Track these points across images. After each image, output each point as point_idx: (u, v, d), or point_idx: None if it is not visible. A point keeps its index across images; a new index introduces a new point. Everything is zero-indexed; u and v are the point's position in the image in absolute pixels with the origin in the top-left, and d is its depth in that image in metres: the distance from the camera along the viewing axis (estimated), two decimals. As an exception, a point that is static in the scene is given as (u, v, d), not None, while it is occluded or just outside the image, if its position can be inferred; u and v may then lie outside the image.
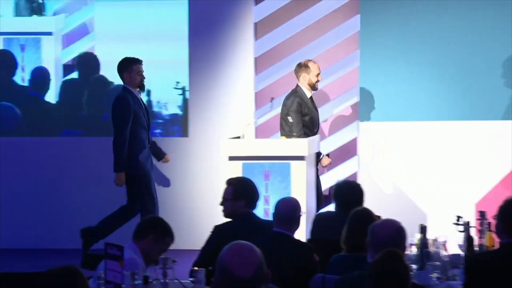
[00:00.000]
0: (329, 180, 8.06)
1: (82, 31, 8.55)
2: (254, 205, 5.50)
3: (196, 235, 8.04)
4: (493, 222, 4.65)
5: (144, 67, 7.44)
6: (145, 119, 7.50)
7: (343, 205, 5.69)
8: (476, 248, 5.03)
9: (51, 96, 8.61)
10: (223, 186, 5.58)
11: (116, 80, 7.85)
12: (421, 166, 7.99)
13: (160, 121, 8.50)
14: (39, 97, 8.60)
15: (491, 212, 4.73)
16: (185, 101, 8.45)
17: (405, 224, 4.21)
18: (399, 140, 8.06)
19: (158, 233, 4.71)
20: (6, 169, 8.43)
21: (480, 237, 5.09)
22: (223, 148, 7.19)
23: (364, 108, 8.12)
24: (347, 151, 8.19)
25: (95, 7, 8.51)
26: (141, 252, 4.64)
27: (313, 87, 7.44)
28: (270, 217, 5.32)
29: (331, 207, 6.43)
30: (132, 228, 4.78)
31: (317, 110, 7.46)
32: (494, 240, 4.98)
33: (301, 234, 6.06)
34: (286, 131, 7.37)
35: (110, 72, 8.23)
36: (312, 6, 8.20)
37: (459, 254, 5.09)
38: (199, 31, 8.39)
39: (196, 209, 8.28)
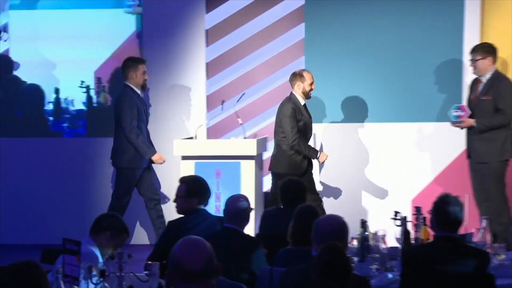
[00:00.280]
0: (276, 178, 8.08)
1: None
2: (205, 202, 5.50)
3: (150, 231, 8.03)
4: (428, 216, 4.71)
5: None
6: (144, 115, 7.54)
7: (289, 202, 5.72)
8: (413, 241, 5.08)
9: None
10: (176, 184, 5.56)
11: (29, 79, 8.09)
12: (362, 165, 8.05)
13: (67, 115, 8.49)
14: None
15: (426, 208, 4.79)
16: (89, 98, 8.45)
17: (347, 219, 4.24)
18: (342, 140, 8.11)
19: (114, 229, 4.68)
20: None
21: (416, 231, 5.14)
22: (176, 148, 7.16)
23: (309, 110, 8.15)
24: (294, 151, 8.22)
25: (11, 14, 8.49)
26: (98, 247, 4.61)
27: (306, 95, 7.41)
28: (221, 213, 5.32)
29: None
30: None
31: (310, 117, 7.42)
32: (429, 234, 5.04)
33: (250, 229, 6.08)
34: (281, 137, 7.34)
35: (23, 73, 8.39)
36: (260, 15, 8.21)
37: (397, 247, 5.14)
38: (153, 37, 8.35)
39: (151, 206, 8.23)
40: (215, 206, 6.77)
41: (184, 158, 7.10)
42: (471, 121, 7.12)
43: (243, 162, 7.05)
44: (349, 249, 4.68)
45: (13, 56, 8.49)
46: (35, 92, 8.43)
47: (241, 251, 4.86)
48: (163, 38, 8.32)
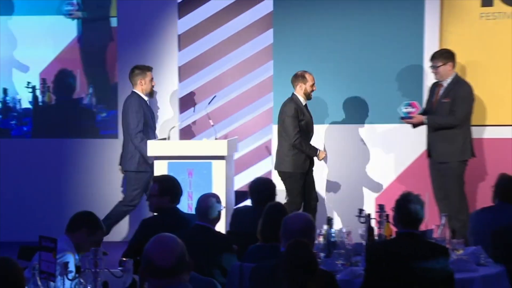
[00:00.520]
0: (246, 178, 8.07)
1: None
2: (177, 201, 5.47)
3: (125, 228, 7.99)
4: (390, 214, 4.73)
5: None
6: (151, 121, 7.52)
7: (258, 200, 5.71)
8: (376, 237, 5.10)
9: None
10: (149, 184, 5.53)
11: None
12: (328, 164, 8.06)
13: (14, 114, 8.53)
14: None
15: (389, 205, 4.81)
16: (35, 98, 8.47)
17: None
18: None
19: (90, 226, 4.63)
20: None
21: (379, 228, 5.16)
22: (150, 148, 7.13)
23: (277, 112, 8.15)
24: (263, 151, 8.21)
25: None
26: (73, 244, 4.56)
27: (308, 96, 7.39)
28: (193, 212, 5.29)
29: (248, 202, 6.42)
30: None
31: (311, 116, 7.40)
32: (391, 230, 5.06)
33: (221, 226, 6.06)
34: (283, 136, 7.29)
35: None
36: (230, 21, 8.21)
37: (361, 243, 5.15)
38: (127, 42, 8.32)
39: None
40: (187, 205, 6.74)
41: (158, 158, 7.07)
42: (422, 118, 7.17)
43: (214, 162, 7.03)
44: (316, 245, 4.68)
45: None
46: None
47: (212, 247, 4.84)
48: (137, 43, 8.29)
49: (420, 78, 7.80)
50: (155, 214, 5.43)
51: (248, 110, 8.24)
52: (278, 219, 4.33)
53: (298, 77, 7.35)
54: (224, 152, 7.04)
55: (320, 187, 8.02)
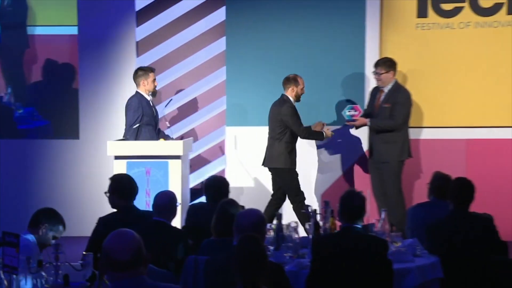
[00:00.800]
0: (201, 176, 8.04)
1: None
2: (132, 198, 5.37)
3: (85, 223, 7.89)
4: (335, 209, 4.76)
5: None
6: (153, 119, 7.38)
7: (212, 197, 5.68)
8: (322, 231, 5.12)
9: None
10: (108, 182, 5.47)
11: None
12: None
13: None
14: None
15: (334, 202, 4.84)
16: None
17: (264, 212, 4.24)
18: (259, 141, 8.12)
19: (51, 222, 4.57)
20: None
21: (324, 222, 5.18)
22: (110, 148, 7.06)
23: (230, 114, 8.16)
24: (217, 151, 8.19)
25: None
26: (36, 239, 4.49)
27: (298, 98, 7.36)
28: (150, 208, 5.24)
29: (202, 199, 6.40)
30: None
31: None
32: (336, 225, 5.08)
33: (177, 222, 6.03)
34: (277, 133, 7.24)
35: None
36: (185, 29, 8.18)
37: (308, 237, 5.17)
38: (88, 48, 8.23)
39: (86, 201, 8.09)
40: (145, 202, 6.69)
41: (117, 157, 7.01)
42: (365, 121, 7.25)
43: (170, 161, 7.00)
44: (266, 239, 4.68)
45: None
46: None
47: (168, 242, 4.81)
48: (98, 49, 8.22)
49: (362, 83, 7.86)
50: (112, 212, 5.36)
51: (202, 113, 8.21)
52: (231, 215, 4.32)
53: (291, 80, 7.34)
54: (180, 152, 7.02)
55: (270, 183, 8.04)
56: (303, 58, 7.95)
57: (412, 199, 7.48)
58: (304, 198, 7.25)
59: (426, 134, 7.81)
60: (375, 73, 7.32)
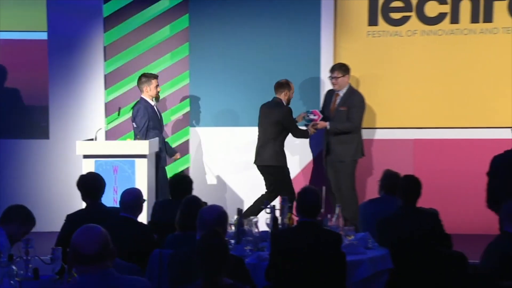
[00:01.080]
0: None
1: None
2: (97, 196, 5.28)
3: (54, 220, 7.77)
4: (293, 205, 4.76)
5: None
6: (158, 122, 7.34)
7: (177, 194, 5.65)
8: (280, 226, 5.12)
9: None
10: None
11: None
12: (238, 162, 8.07)
13: None
14: None
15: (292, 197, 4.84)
16: None
17: (226, 208, 4.23)
18: (221, 141, 8.12)
19: (22, 218, 4.50)
20: None
21: (283, 217, 5.18)
22: (78, 148, 6.98)
23: (194, 116, 8.13)
24: (181, 150, 8.15)
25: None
26: (6, 235, 4.41)
27: (289, 101, 7.33)
28: (118, 204, 5.18)
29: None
30: None
31: None
32: (293, 219, 5.09)
33: (143, 217, 5.98)
34: (273, 134, 7.20)
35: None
36: (152, 34, 8.13)
37: (267, 231, 5.17)
38: (57, 53, 8.14)
39: (56, 198, 7.99)
40: (112, 198, 6.63)
41: (86, 157, 6.94)
42: (325, 124, 7.29)
43: (137, 160, 6.95)
44: (228, 233, 4.67)
45: None
46: None
47: (135, 236, 4.77)
48: (67, 53, 8.14)
49: (317, 87, 7.89)
50: (79, 209, 5.29)
51: (167, 114, 8.16)
52: (194, 210, 4.30)
53: (284, 85, 7.32)
54: (145, 151, 6.97)
55: (233, 181, 8.04)
56: (262, 63, 7.96)
57: (365, 195, 7.54)
58: (295, 193, 7.24)
59: (377, 135, 7.87)
60: (332, 77, 7.36)
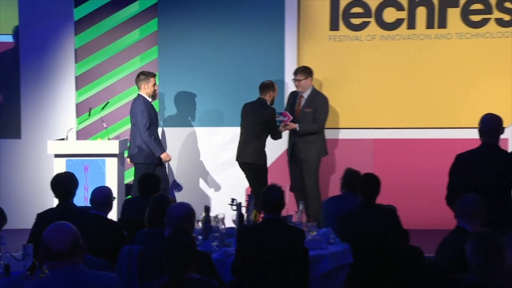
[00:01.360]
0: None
1: None
2: (67, 196, 5.18)
3: (26, 217, 7.67)
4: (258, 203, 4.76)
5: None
6: (155, 120, 7.21)
7: (146, 191, 5.61)
8: (246, 222, 5.13)
9: None
10: (49, 178, 5.32)
11: None
12: (207, 161, 8.05)
13: None
14: None
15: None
16: None
17: (193, 205, 4.21)
18: (189, 141, 8.09)
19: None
20: None
21: (248, 214, 5.19)
22: (50, 147, 6.91)
23: (162, 116, 8.08)
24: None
25: None
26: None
27: (272, 102, 7.27)
28: (89, 202, 5.12)
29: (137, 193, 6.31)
30: None
31: None
32: (259, 216, 5.10)
33: (113, 215, 5.94)
34: (260, 133, 7.13)
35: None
36: (122, 37, 8.07)
37: (233, 227, 5.17)
38: (29, 55, 8.04)
39: (27, 196, 7.88)
40: (83, 196, 6.57)
41: (57, 156, 6.87)
42: (295, 125, 7.31)
43: (107, 159, 6.92)
44: (195, 229, 4.65)
45: None
46: None
47: (105, 233, 4.73)
48: (39, 55, 8.05)
49: (281, 89, 7.90)
50: (50, 208, 5.22)
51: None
52: (163, 208, 4.28)
53: (269, 86, 7.28)
54: (116, 151, 6.94)
55: (200, 179, 8.01)
56: (230, 66, 7.95)
57: (328, 193, 7.57)
58: None
59: (339, 135, 7.92)
60: (295, 79, 7.39)
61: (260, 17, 7.90)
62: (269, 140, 7.87)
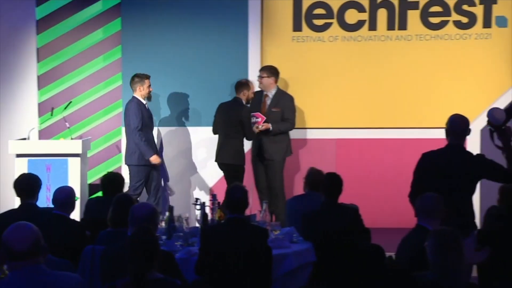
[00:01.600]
0: (98, 173, 7.85)
1: None
2: (29, 196, 5.07)
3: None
4: (222, 202, 4.76)
5: None
6: (150, 122, 7.14)
7: (109, 191, 5.56)
8: (209, 222, 5.12)
9: None
10: (11, 179, 5.24)
11: None
12: (173, 160, 7.99)
13: None
14: None
15: (221, 195, 4.84)
16: None
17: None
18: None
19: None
20: None
21: (212, 213, 5.18)
22: (11, 147, 6.81)
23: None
24: (113, 149, 8.03)
25: None
26: None
27: (248, 101, 7.20)
28: (51, 203, 5.06)
29: (100, 193, 6.25)
30: None
31: None
32: (223, 215, 5.09)
33: (76, 215, 5.87)
34: (234, 131, 7.11)
35: None
36: (84, 36, 7.98)
37: (197, 227, 5.16)
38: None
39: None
40: (45, 196, 6.49)
41: (19, 156, 6.77)
42: (269, 126, 7.32)
43: (70, 159, 6.86)
44: (159, 229, 4.63)
45: None
46: None
47: (67, 233, 4.68)
48: (0, 55, 7.90)
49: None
50: (11, 208, 5.14)
51: (100, 114, 8.03)
52: (126, 208, 4.25)
53: (244, 85, 7.26)
54: (79, 150, 6.88)
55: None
56: (193, 66, 7.93)
57: (292, 192, 7.60)
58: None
59: (302, 135, 7.96)
60: (259, 76, 7.45)
61: (224, 17, 7.90)
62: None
